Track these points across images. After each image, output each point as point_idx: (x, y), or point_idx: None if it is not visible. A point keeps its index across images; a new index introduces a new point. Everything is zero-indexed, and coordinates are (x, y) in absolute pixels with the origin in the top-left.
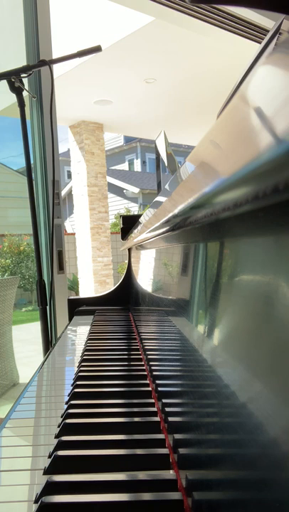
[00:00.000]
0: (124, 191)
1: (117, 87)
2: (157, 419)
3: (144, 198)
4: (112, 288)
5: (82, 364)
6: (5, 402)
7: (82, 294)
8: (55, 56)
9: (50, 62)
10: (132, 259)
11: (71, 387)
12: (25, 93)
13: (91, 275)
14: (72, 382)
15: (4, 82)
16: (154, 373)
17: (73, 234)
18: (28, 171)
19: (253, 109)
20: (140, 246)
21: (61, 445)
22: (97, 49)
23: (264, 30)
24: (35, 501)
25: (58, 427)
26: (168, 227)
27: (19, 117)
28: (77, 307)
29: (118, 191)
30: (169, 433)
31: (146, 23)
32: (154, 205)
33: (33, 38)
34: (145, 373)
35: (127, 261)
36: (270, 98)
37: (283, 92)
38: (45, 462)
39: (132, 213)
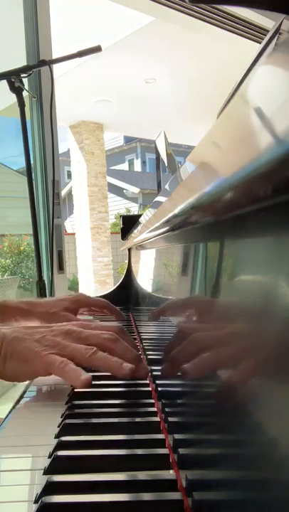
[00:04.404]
0: (124, 191)
1: (117, 87)
2: (157, 419)
3: (144, 198)
4: (112, 288)
5: None
6: (5, 402)
7: None
8: (55, 56)
9: (50, 62)
10: (132, 259)
11: (71, 387)
12: (25, 93)
13: (91, 275)
14: None
15: (4, 82)
16: (154, 373)
17: (73, 234)
18: (28, 171)
19: (253, 109)
20: (140, 246)
21: (61, 445)
22: (97, 49)
23: (264, 30)
24: (35, 501)
25: (58, 427)
26: (168, 227)
27: (19, 117)
28: None
29: (118, 191)
30: (169, 433)
31: (146, 23)
32: (154, 205)
33: (33, 38)
34: None
35: (127, 261)
36: (270, 98)
37: (283, 92)
38: (45, 462)
39: (132, 213)
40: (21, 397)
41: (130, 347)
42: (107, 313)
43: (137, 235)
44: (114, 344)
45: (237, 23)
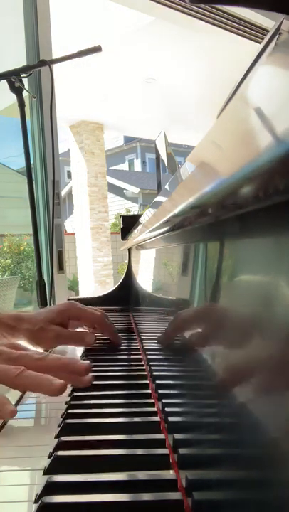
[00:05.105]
0: (124, 191)
1: (117, 87)
2: (157, 419)
3: (144, 198)
4: (112, 288)
5: None
6: None
7: (82, 294)
8: (55, 56)
9: (50, 62)
10: (132, 259)
11: (71, 387)
12: (25, 93)
13: (91, 275)
14: None
15: (4, 82)
16: (154, 373)
17: (73, 234)
18: (28, 171)
19: (253, 109)
20: (140, 246)
21: (61, 445)
22: (97, 49)
23: (264, 30)
24: (35, 501)
25: (58, 427)
26: (168, 227)
27: (19, 117)
28: None
29: (118, 191)
30: (169, 433)
31: (146, 23)
32: (154, 205)
33: (33, 38)
34: (145, 373)
35: (127, 261)
36: (270, 98)
37: (283, 92)
38: (45, 462)
39: (132, 213)
40: (21, 397)
41: (61, 359)
42: (99, 331)
43: (137, 235)
44: (45, 362)
45: (237, 23)
